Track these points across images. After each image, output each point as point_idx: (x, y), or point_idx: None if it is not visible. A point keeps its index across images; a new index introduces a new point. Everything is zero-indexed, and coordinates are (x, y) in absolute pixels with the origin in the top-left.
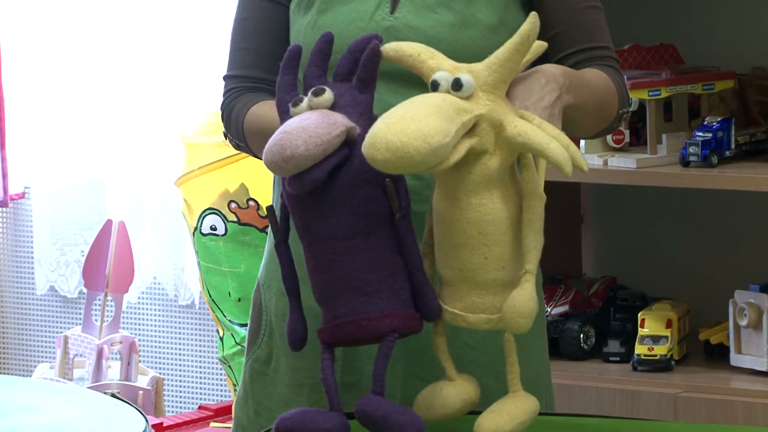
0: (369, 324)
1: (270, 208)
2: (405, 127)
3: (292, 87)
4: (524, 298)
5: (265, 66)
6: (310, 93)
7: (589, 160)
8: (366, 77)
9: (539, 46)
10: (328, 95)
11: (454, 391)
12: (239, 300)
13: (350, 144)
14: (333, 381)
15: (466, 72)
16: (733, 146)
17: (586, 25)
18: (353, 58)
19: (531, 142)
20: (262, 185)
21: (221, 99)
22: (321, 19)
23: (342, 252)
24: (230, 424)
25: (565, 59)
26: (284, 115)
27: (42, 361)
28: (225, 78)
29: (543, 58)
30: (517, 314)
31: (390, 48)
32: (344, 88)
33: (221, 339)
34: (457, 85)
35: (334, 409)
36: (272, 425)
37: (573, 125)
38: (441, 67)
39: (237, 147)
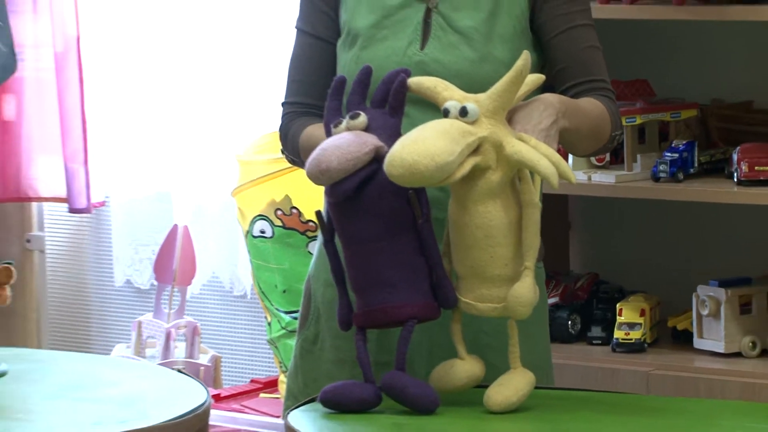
0: (392, 311)
1: (318, 213)
2: (416, 147)
3: (337, 111)
4: (524, 290)
5: (316, 94)
6: (347, 116)
7: (575, 175)
8: (395, 104)
9: (538, 78)
10: (363, 119)
11: (462, 368)
12: (284, 291)
13: (379, 160)
14: (366, 358)
15: (472, 101)
16: (696, 165)
17: (586, 62)
18: (386, 88)
19: (525, 160)
20: (303, 196)
21: (279, 122)
22: (363, 54)
23: (371, 252)
24: (277, 395)
25: (568, 90)
26: (329, 135)
27: (119, 342)
28: (283, 104)
29: (549, 88)
30: (518, 303)
31: (412, 81)
32: (378, 113)
33: (269, 324)
34: (463, 112)
35: (369, 381)
36: (318, 395)
37: (571, 146)
38: (452, 97)
39: (292, 162)
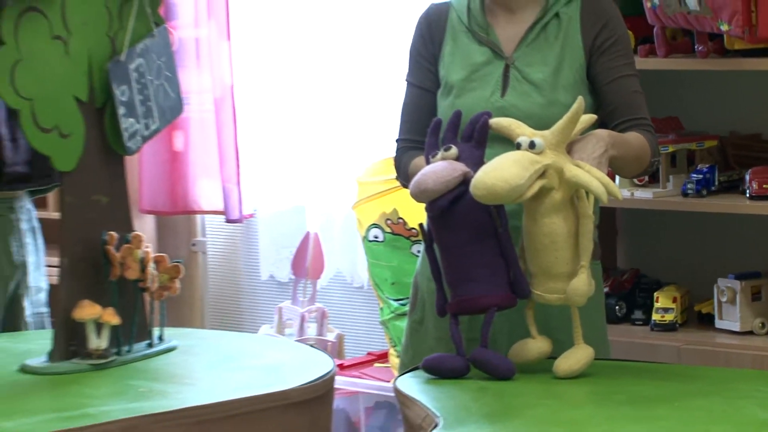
0: (476, 301)
1: (421, 225)
2: (495, 174)
3: (434, 146)
4: (580, 284)
5: (422, 133)
6: (442, 149)
7: (621, 192)
8: (480, 139)
9: (591, 118)
10: (454, 151)
11: (534, 345)
12: (393, 283)
13: (467, 183)
14: (459, 337)
15: (539, 137)
16: (716, 183)
17: (631, 104)
18: (472, 126)
19: (581, 181)
20: (407, 209)
21: (394, 154)
22: (456, 101)
23: (461, 255)
24: (387, 365)
25: (617, 126)
26: (427, 164)
27: (265, 324)
28: (396, 141)
29: (603, 125)
30: (575, 294)
31: (493, 121)
32: (466, 146)
33: (381, 309)
34: (532, 145)
35: (460, 355)
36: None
37: (619, 170)
38: (524, 133)
39: (403, 185)
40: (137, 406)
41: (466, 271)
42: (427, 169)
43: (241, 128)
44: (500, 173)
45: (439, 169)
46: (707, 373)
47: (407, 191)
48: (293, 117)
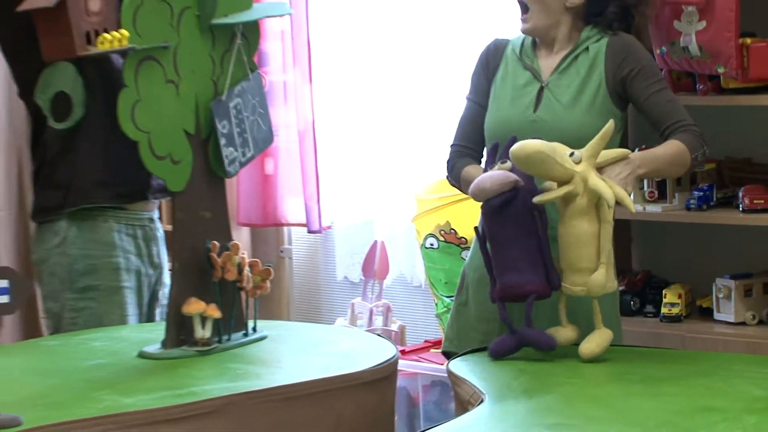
0: (519, 288)
1: (476, 228)
2: (531, 144)
3: (492, 161)
4: (600, 278)
5: (473, 140)
6: (499, 162)
7: (635, 207)
8: None
9: (621, 153)
10: (509, 164)
11: (563, 331)
12: (446, 283)
13: (517, 189)
14: (508, 318)
15: (577, 151)
16: (714, 199)
17: (668, 112)
18: (511, 145)
19: (597, 190)
20: (458, 221)
21: (448, 155)
22: (499, 113)
23: (508, 249)
24: (440, 350)
25: (663, 132)
26: (487, 171)
27: (340, 317)
28: (451, 146)
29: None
30: (595, 286)
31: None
32: None
33: (436, 304)
34: (572, 155)
35: (512, 332)
36: (476, 341)
37: (661, 176)
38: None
39: (453, 185)
40: (234, 386)
41: (511, 261)
42: (486, 174)
43: (320, 155)
44: (539, 143)
45: (495, 174)
46: (707, 357)
47: (458, 206)
48: (364, 146)
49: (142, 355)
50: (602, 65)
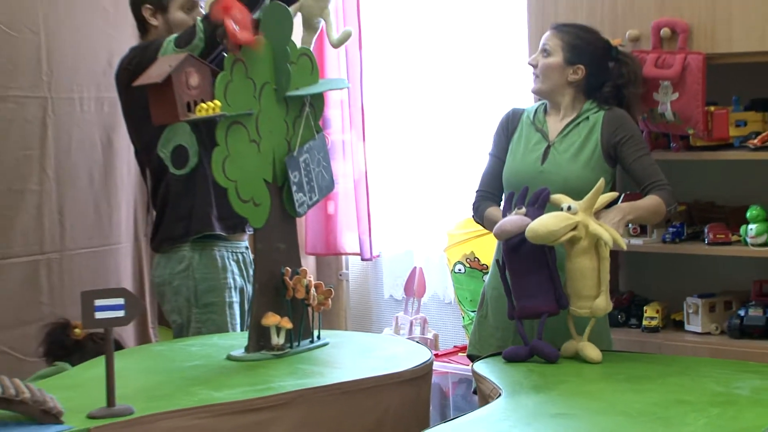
0: (534, 309)
1: (497, 260)
2: (540, 222)
3: (509, 208)
4: (602, 303)
5: (493, 186)
6: (516, 208)
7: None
8: (541, 204)
9: (612, 196)
10: (523, 210)
11: (573, 344)
12: (470, 300)
13: (535, 238)
14: (524, 333)
15: (575, 203)
16: (685, 235)
17: (650, 174)
18: (537, 196)
19: (598, 233)
20: (480, 251)
21: (474, 198)
22: (513, 164)
23: (525, 278)
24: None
25: (644, 189)
26: (505, 215)
27: (386, 327)
28: (477, 191)
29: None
30: (599, 309)
31: (552, 196)
32: (531, 208)
33: (463, 317)
34: (569, 208)
35: (526, 345)
36: (494, 346)
37: (644, 222)
38: (565, 201)
39: (477, 222)
40: (303, 382)
41: (527, 289)
42: (506, 218)
43: (371, 198)
44: (544, 222)
45: (514, 219)
46: (679, 360)
47: (480, 240)
48: (406, 191)
49: (230, 358)
50: (599, 132)
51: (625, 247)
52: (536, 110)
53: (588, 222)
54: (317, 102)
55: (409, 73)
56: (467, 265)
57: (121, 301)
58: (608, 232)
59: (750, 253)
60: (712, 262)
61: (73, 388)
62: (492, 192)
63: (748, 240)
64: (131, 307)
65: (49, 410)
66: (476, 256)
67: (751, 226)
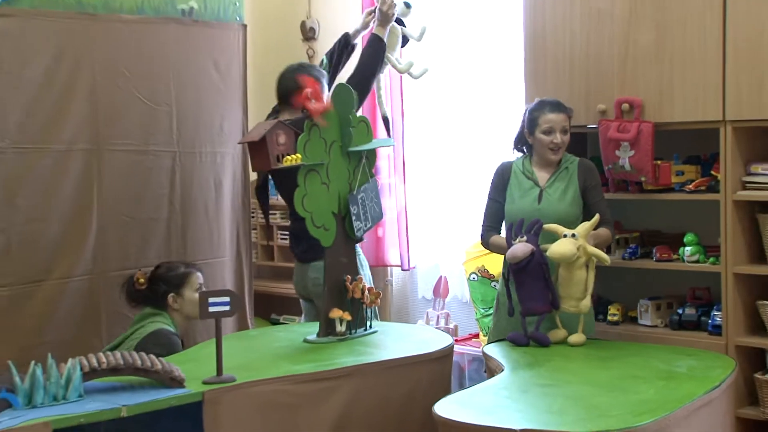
0: (535, 309)
1: (504, 274)
2: (562, 247)
3: (511, 237)
4: (586, 303)
5: (494, 221)
6: (519, 237)
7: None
8: (536, 233)
9: (596, 221)
10: (525, 238)
11: (560, 333)
12: (481, 300)
13: (533, 254)
14: (525, 326)
15: (576, 232)
16: (639, 254)
17: (603, 213)
18: (532, 226)
19: (595, 254)
20: (489, 265)
21: (480, 231)
22: (513, 206)
23: (528, 287)
24: (478, 339)
25: (600, 225)
26: (508, 244)
27: (420, 319)
28: (482, 225)
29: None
30: (585, 307)
31: (545, 226)
32: (529, 236)
33: (476, 313)
34: (573, 236)
35: (525, 334)
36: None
37: (600, 246)
38: (564, 230)
39: (485, 247)
40: (357, 359)
41: (530, 294)
42: (514, 246)
43: (410, 225)
44: (562, 248)
45: (521, 246)
46: (634, 346)
47: (488, 257)
48: (434, 221)
49: (305, 341)
50: (575, 178)
51: (609, 263)
52: (522, 163)
53: (586, 245)
54: (371, 155)
55: (439, 136)
56: (479, 275)
57: (227, 299)
58: (599, 255)
59: (686, 268)
60: (658, 274)
61: (192, 362)
62: (494, 225)
63: (685, 258)
64: (234, 304)
65: (174, 378)
66: (486, 268)
67: (687, 248)
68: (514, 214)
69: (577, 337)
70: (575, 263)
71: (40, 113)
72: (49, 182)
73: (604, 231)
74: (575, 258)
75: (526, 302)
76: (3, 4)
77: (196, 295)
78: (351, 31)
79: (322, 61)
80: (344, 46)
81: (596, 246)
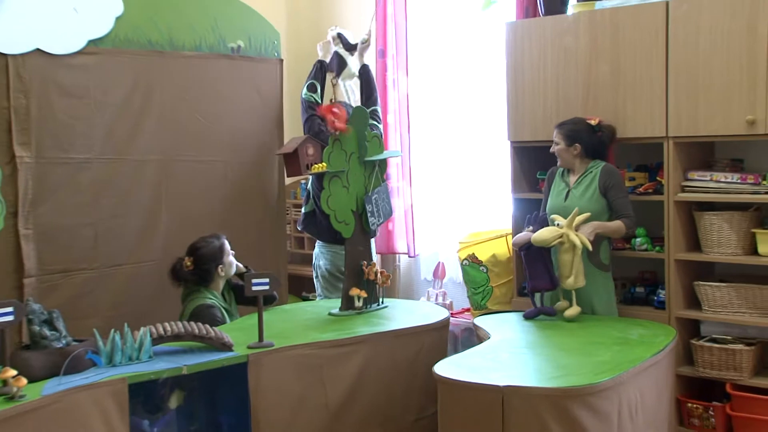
0: (542, 286)
1: (515, 251)
2: (540, 234)
3: (527, 223)
4: (571, 281)
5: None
6: (527, 227)
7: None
8: (540, 223)
9: (586, 216)
10: (531, 228)
11: (563, 305)
12: (472, 281)
13: (539, 244)
14: (534, 301)
15: (561, 221)
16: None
17: (621, 208)
18: (536, 218)
19: (574, 240)
20: (479, 253)
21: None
22: (551, 201)
23: (533, 266)
24: (469, 313)
25: (617, 217)
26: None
27: (422, 297)
28: (535, 212)
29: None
30: (570, 284)
31: (551, 217)
32: (536, 226)
33: (467, 291)
34: (558, 225)
35: (535, 307)
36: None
37: (609, 235)
38: (557, 219)
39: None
40: (372, 329)
41: (535, 273)
42: (517, 235)
43: (415, 221)
44: (544, 233)
45: (521, 235)
46: (595, 318)
47: (479, 245)
48: (435, 218)
49: (330, 314)
50: (597, 180)
51: (590, 249)
52: (564, 170)
53: (569, 233)
54: (382, 164)
55: (439, 148)
56: (470, 261)
57: (267, 279)
58: (580, 240)
59: (637, 255)
60: (615, 260)
61: (239, 331)
62: (538, 215)
63: (636, 247)
64: (274, 283)
65: (225, 343)
66: (476, 255)
67: (638, 239)
68: (550, 208)
69: (571, 311)
70: (561, 248)
71: (119, 131)
72: (127, 186)
73: (616, 223)
74: (554, 243)
75: (532, 280)
76: (89, 44)
77: (232, 257)
78: (327, 60)
79: (315, 86)
80: (324, 72)
81: (606, 234)
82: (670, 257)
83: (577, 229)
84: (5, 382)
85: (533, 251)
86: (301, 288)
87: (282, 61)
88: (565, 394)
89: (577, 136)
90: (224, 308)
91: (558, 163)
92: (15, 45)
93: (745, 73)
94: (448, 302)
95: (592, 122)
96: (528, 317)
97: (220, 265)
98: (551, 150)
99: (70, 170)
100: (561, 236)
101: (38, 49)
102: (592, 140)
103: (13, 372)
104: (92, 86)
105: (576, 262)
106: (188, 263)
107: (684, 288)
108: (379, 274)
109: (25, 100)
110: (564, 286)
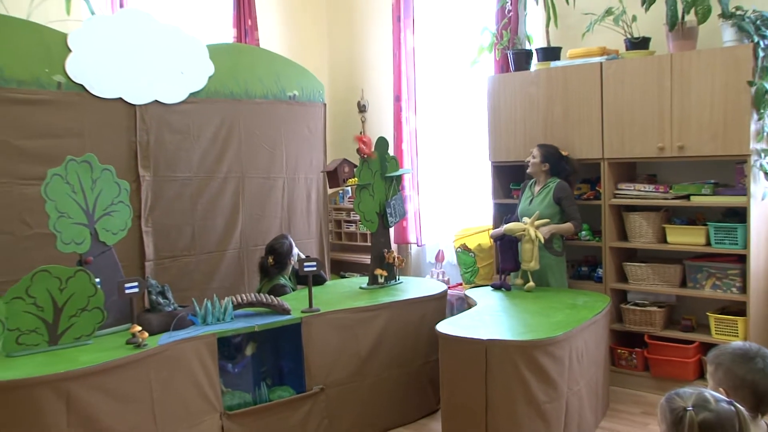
0: (508, 267)
1: (493, 239)
2: (508, 226)
3: (502, 223)
4: (533, 264)
5: (514, 213)
6: (503, 223)
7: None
8: (509, 221)
9: (547, 221)
10: (504, 226)
11: (520, 282)
12: (464, 263)
13: (504, 234)
14: (501, 276)
15: (527, 221)
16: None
17: (571, 214)
18: (510, 218)
19: (531, 236)
20: (469, 243)
21: (507, 217)
22: (520, 207)
23: (504, 253)
24: (462, 287)
25: (567, 220)
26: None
27: (427, 275)
28: (508, 215)
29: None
30: (530, 266)
31: (524, 218)
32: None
33: (459, 271)
34: (524, 222)
35: (502, 282)
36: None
37: (563, 234)
38: (525, 219)
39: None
40: (390, 299)
41: (506, 258)
42: (494, 230)
43: (422, 220)
44: (513, 226)
45: (497, 230)
46: (552, 289)
47: (468, 237)
48: (437, 217)
49: (360, 288)
50: (552, 192)
51: (543, 242)
52: (532, 182)
53: (530, 229)
54: (398, 179)
55: (438, 168)
56: (462, 249)
57: (314, 263)
58: (536, 234)
59: (583, 244)
60: (568, 247)
61: (295, 300)
62: (513, 216)
63: (582, 238)
64: (319, 266)
65: (285, 309)
66: (466, 244)
67: (583, 232)
68: (520, 210)
69: (529, 285)
70: (524, 239)
71: (210, 157)
72: (215, 196)
73: (567, 225)
74: (518, 233)
75: (503, 263)
76: (190, 96)
77: (296, 249)
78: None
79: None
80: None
81: (560, 233)
82: (606, 245)
83: (537, 228)
84: (134, 335)
85: (505, 242)
86: (339, 269)
87: (325, 105)
88: (531, 344)
89: (550, 158)
90: (291, 287)
91: (528, 171)
92: (140, 97)
93: (656, 113)
94: (446, 279)
95: (564, 153)
96: (494, 288)
97: (291, 257)
98: (526, 160)
99: (176, 186)
100: (524, 230)
101: (156, 100)
102: (559, 164)
103: (139, 327)
104: (192, 125)
105: (534, 251)
106: (270, 261)
107: (616, 267)
108: (396, 259)
109: (147, 136)
110: (524, 267)
